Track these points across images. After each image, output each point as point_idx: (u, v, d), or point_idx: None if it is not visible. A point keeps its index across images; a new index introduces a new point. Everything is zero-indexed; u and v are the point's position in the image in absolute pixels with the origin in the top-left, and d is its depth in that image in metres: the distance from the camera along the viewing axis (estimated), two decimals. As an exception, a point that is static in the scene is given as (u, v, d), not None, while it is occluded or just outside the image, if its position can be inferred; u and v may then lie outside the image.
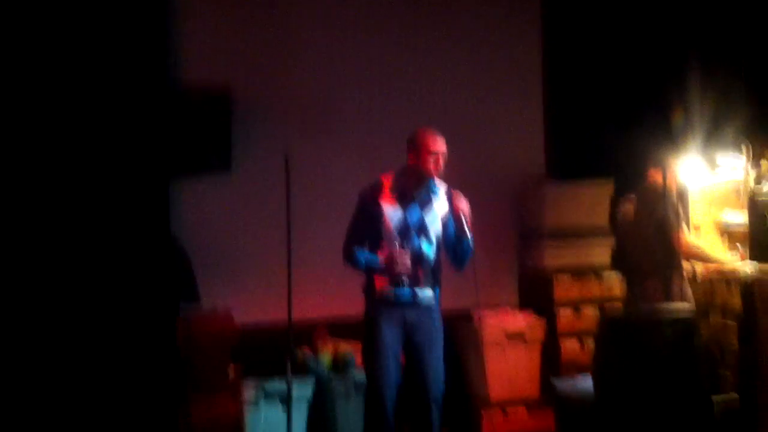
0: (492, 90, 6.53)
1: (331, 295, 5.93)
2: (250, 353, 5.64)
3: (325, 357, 5.74)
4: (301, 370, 5.52)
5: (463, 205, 4.28)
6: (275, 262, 5.29)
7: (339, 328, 5.88)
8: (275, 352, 5.40)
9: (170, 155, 4.70)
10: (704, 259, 5.31)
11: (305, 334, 5.84)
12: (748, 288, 5.13)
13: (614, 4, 6.35)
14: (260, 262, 5.83)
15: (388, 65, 6.32)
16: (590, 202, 6.29)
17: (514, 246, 6.59)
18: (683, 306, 4.86)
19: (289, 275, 5.01)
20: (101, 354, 4.20)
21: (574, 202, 6.28)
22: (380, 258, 4.29)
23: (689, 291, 5.26)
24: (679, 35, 5.99)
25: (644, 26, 6.21)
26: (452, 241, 4.38)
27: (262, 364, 5.58)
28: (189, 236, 5.54)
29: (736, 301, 5.22)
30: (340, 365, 5.67)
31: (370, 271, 4.34)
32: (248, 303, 5.69)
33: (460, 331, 6.18)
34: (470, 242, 4.33)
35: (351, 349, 5.70)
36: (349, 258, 4.37)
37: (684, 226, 5.12)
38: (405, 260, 4.17)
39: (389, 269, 4.21)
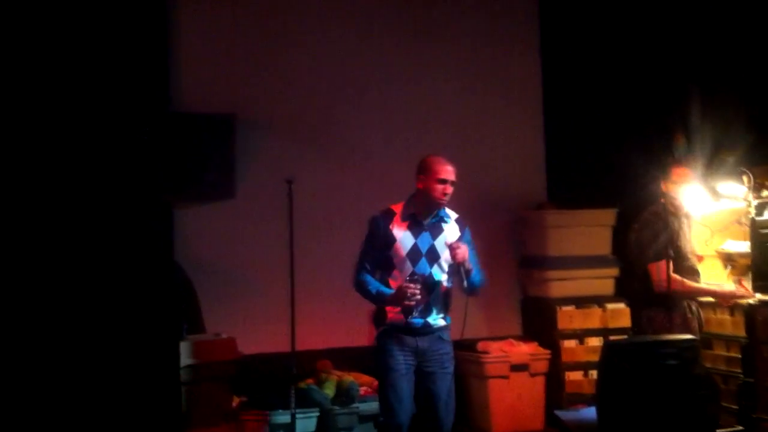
0: (493, 116, 6.61)
1: (336, 325, 5.94)
2: (253, 384, 5.64)
3: (329, 388, 5.72)
4: (305, 401, 5.49)
5: (459, 255, 4.20)
6: (279, 290, 5.32)
7: (343, 359, 5.88)
8: (279, 383, 5.41)
9: (173, 181, 4.75)
10: (688, 292, 5.14)
11: (309, 364, 5.84)
12: (752, 318, 5.12)
13: (615, 29, 6.41)
14: (264, 290, 5.84)
15: (390, 91, 6.39)
16: (592, 230, 6.31)
17: (516, 273, 6.60)
18: (686, 336, 4.83)
19: (293, 303, 5.03)
20: (104, 379, 4.23)
21: (575, 231, 6.29)
22: (390, 291, 4.23)
23: (693, 321, 5.22)
24: (680, 63, 6.04)
25: (645, 53, 6.27)
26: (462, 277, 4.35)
27: (265, 396, 5.58)
28: (192, 264, 5.58)
29: (740, 332, 5.21)
30: (344, 397, 5.65)
31: (380, 301, 4.29)
32: (252, 333, 5.69)
33: (464, 362, 6.17)
34: (478, 277, 4.30)
35: (355, 380, 5.69)
36: (360, 287, 4.32)
37: (666, 258, 5.00)
38: (415, 293, 4.12)
39: (398, 302, 4.16)
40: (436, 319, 4.30)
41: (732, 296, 5.25)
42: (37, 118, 4.29)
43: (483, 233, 6.47)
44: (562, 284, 6.27)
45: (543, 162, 6.72)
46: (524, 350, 6.12)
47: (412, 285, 4.11)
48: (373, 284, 4.27)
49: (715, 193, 5.51)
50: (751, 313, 5.12)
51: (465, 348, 6.12)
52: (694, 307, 5.15)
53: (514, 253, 6.59)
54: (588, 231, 6.31)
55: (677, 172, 5.20)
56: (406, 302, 4.12)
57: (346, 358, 5.81)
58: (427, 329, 4.27)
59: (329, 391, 5.67)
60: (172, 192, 4.99)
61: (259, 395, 5.56)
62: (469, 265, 4.22)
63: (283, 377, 5.32)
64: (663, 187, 5.17)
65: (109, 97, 4.40)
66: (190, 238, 5.68)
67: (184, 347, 5.16)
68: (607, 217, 6.31)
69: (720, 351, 5.41)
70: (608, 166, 6.26)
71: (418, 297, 4.13)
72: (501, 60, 6.65)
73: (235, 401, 5.55)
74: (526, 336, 6.41)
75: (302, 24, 6.25)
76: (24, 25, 4.22)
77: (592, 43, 6.51)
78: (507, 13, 6.71)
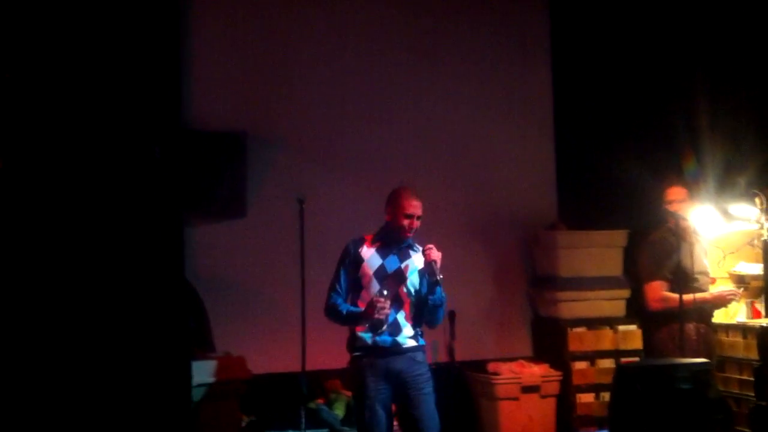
0: (504, 134, 6.59)
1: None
2: (262, 404, 5.62)
3: (339, 408, 5.70)
4: (315, 421, 5.48)
5: (434, 254, 4.27)
6: (290, 309, 5.31)
7: (352, 379, 5.85)
8: (289, 402, 5.39)
9: (184, 198, 4.77)
10: (685, 305, 4.96)
11: (319, 384, 5.82)
12: (764, 341, 5.08)
13: (627, 49, 6.40)
14: (274, 309, 5.82)
15: (402, 110, 6.40)
16: (603, 251, 6.28)
17: (526, 293, 6.58)
18: (699, 359, 4.80)
19: (303, 322, 5.02)
20: (113, 397, 4.23)
21: (587, 252, 6.26)
22: (360, 309, 4.28)
23: (706, 343, 5.16)
24: (694, 83, 6.04)
25: (658, 73, 6.26)
26: (424, 295, 4.36)
27: (275, 416, 5.56)
28: (202, 282, 5.58)
29: (752, 355, 5.18)
30: (353, 417, 5.62)
31: (351, 321, 4.33)
32: (262, 352, 5.67)
33: (475, 383, 6.14)
34: (441, 291, 4.30)
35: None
36: (331, 311, 4.35)
37: (661, 279, 4.99)
38: (385, 306, 4.17)
39: (369, 315, 4.20)
40: (405, 339, 4.30)
41: (722, 298, 5.17)
42: (48, 135, 4.31)
43: (494, 253, 6.53)
44: (573, 305, 6.23)
45: (554, 181, 6.69)
46: (535, 372, 6.08)
47: (381, 299, 4.15)
48: (344, 306, 4.33)
49: (727, 214, 5.49)
50: (763, 335, 5.09)
51: (475, 369, 6.11)
52: (702, 330, 5.08)
53: (525, 273, 6.57)
54: (599, 252, 6.28)
55: (672, 191, 5.17)
56: (376, 315, 4.17)
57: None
58: (397, 349, 4.28)
59: (339, 411, 5.66)
60: (184, 209, 5.00)
61: (268, 415, 5.54)
62: (439, 274, 4.22)
63: (292, 397, 5.30)
64: (668, 207, 5.12)
65: (121, 114, 4.42)
66: (200, 256, 5.68)
67: (194, 366, 5.15)
68: (619, 238, 6.29)
69: (732, 373, 5.38)
70: (620, 186, 6.25)
71: (387, 311, 4.18)
72: (513, 78, 6.65)
73: (245, 420, 5.53)
74: (537, 357, 6.38)
75: (313, 42, 6.27)
76: (39, 40, 4.27)
77: (604, 62, 6.50)
78: (518, 31, 6.71)
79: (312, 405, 5.60)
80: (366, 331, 4.28)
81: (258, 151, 5.88)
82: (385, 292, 4.19)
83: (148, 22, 4.49)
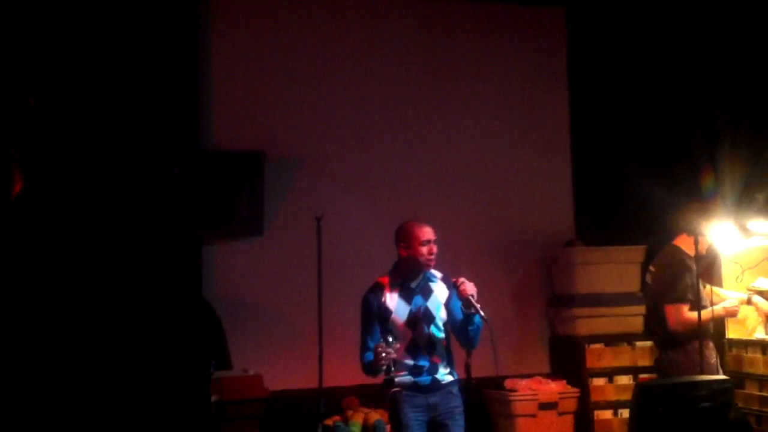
0: (520, 153, 6.61)
1: (362, 362, 5.92)
2: (280, 421, 5.62)
3: (356, 426, 5.69)
4: (332, 439, 5.48)
5: (469, 288, 4.25)
6: (307, 326, 5.32)
7: (369, 396, 5.85)
8: (306, 420, 5.38)
9: (203, 218, 4.80)
10: (705, 323, 4.87)
11: (336, 401, 5.82)
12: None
13: (643, 67, 6.41)
14: (292, 326, 5.86)
15: (419, 129, 6.43)
16: (621, 268, 6.27)
17: (545, 312, 6.57)
18: (720, 377, 4.75)
19: (320, 339, 5.03)
20: (133, 416, 4.24)
21: (604, 268, 6.25)
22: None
23: (712, 356, 5.04)
24: (710, 100, 6.03)
25: (674, 90, 6.26)
26: (458, 323, 4.37)
27: (292, 433, 5.57)
28: (220, 300, 5.60)
29: (771, 371, 5.15)
30: (370, 434, 5.63)
31: (370, 370, 4.34)
32: (279, 369, 5.69)
33: (492, 400, 6.12)
34: (480, 320, 4.28)
35: (381, 418, 5.66)
36: (362, 365, 4.41)
37: (686, 302, 4.86)
38: (387, 352, 4.15)
39: (378, 363, 4.21)
40: (444, 375, 4.37)
41: (733, 312, 5.11)
42: (69, 157, 4.35)
43: (511, 271, 6.53)
44: (590, 322, 6.22)
45: (571, 199, 6.70)
46: (553, 388, 6.06)
47: (382, 345, 4.18)
48: (368, 356, 4.35)
49: (745, 230, 5.45)
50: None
51: (493, 386, 6.09)
52: (711, 343, 5.01)
53: (543, 291, 6.56)
54: (617, 268, 6.27)
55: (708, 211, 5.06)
56: (381, 362, 4.18)
57: (374, 395, 5.75)
58: (436, 385, 4.34)
59: (356, 429, 5.64)
60: (202, 228, 5.03)
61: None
62: (478, 307, 4.19)
63: (309, 414, 5.30)
64: (696, 225, 5.04)
65: (142, 135, 4.47)
66: (218, 274, 5.71)
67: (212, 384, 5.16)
68: (636, 254, 6.26)
69: (753, 390, 5.34)
70: (637, 202, 6.24)
71: (393, 356, 4.19)
72: (529, 97, 6.67)
73: (262, 438, 5.54)
74: (555, 374, 6.36)
75: (331, 63, 6.31)
76: (61, 64, 4.32)
77: (621, 80, 6.51)
78: (535, 50, 6.73)
79: (329, 423, 5.58)
80: (405, 374, 4.31)
81: (276, 170, 5.93)
82: (390, 339, 4.20)
83: (168, 45, 4.54)
